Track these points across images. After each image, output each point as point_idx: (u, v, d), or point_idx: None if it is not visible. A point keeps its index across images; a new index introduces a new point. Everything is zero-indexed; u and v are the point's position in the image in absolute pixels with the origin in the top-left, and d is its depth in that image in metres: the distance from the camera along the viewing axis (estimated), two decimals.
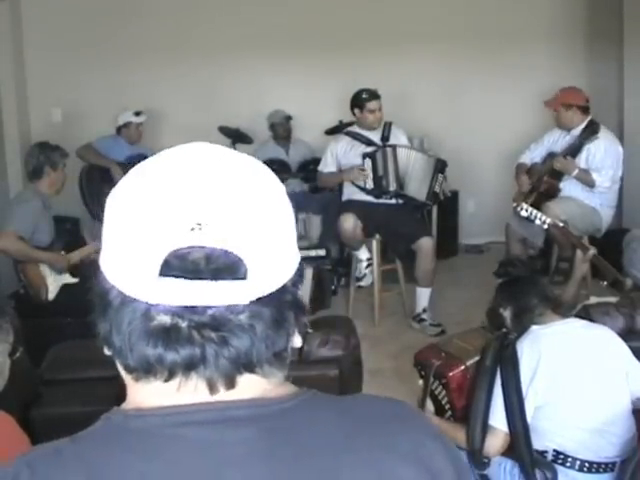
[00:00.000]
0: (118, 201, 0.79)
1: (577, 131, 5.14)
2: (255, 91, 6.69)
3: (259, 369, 0.79)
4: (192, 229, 0.74)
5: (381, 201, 5.23)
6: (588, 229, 5.03)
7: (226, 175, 0.78)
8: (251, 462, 0.76)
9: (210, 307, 0.75)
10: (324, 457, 0.78)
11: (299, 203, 6.17)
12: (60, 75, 6.54)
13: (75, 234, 5.70)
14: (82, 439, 0.81)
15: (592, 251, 3.80)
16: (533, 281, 2.81)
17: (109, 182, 5.84)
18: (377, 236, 5.19)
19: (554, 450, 2.47)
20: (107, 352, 0.82)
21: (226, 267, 0.75)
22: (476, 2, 6.83)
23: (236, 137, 6.28)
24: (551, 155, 5.22)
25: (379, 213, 5.15)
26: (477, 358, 2.73)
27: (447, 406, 2.82)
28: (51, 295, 4.36)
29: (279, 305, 0.79)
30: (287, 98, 6.54)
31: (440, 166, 5.21)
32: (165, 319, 0.76)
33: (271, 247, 0.78)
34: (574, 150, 5.08)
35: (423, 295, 5.13)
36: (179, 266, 0.75)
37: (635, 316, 2.81)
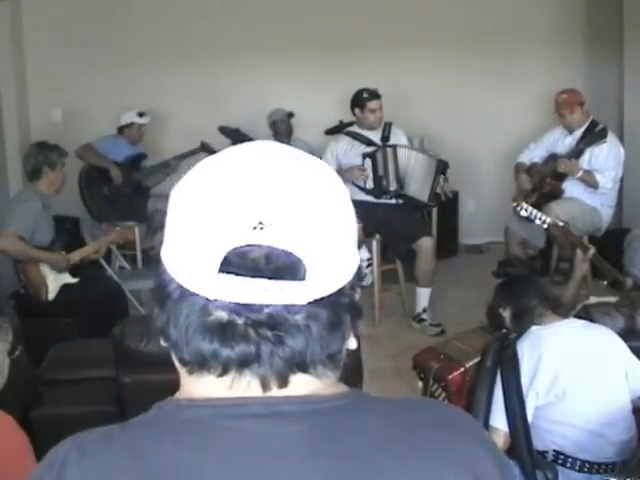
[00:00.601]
0: (183, 195, 0.80)
1: (579, 132, 5.15)
2: (255, 91, 6.69)
3: (312, 369, 0.80)
4: (254, 228, 0.75)
5: (381, 201, 5.23)
6: (588, 229, 5.03)
7: (291, 175, 0.79)
8: (296, 457, 0.77)
9: (267, 306, 0.76)
10: (368, 458, 0.79)
11: None
12: (60, 75, 6.54)
13: (75, 234, 5.70)
14: (132, 426, 0.82)
15: (592, 251, 3.80)
16: (532, 281, 2.81)
17: (108, 182, 5.84)
18: (377, 236, 5.19)
19: (554, 451, 2.47)
20: (163, 343, 0.83)
21: (285, 267, 0.76)
22: (476, 3, 6.83)
23: (236, 137, 6.27)
24: (553, 156, 5.22)
25: (379, 213, 5.15)
26: (476, 360, 2.73)
27: None
28: (51, 295, 4.35)
29: (336, 307, 0.79)
30: (287, 98, 6.54)
31: (442, 167, 5.21)
32: (222, 315, 0.76)
33: (331, 249, 0.79)
34: (577, 151, 5.08)
35: (423, 295, 5.13)
36: (239, 263, 0.75)
37: (635, 316, 2.81)
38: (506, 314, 2.73)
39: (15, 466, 1.66)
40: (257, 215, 0.75)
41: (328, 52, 6.64)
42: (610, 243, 5.00)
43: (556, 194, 5.13)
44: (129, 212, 5.62)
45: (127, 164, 5.90)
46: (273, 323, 0.76)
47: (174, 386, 0.85)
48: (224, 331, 0.76)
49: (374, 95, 5.23)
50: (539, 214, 3.97)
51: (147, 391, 2.05)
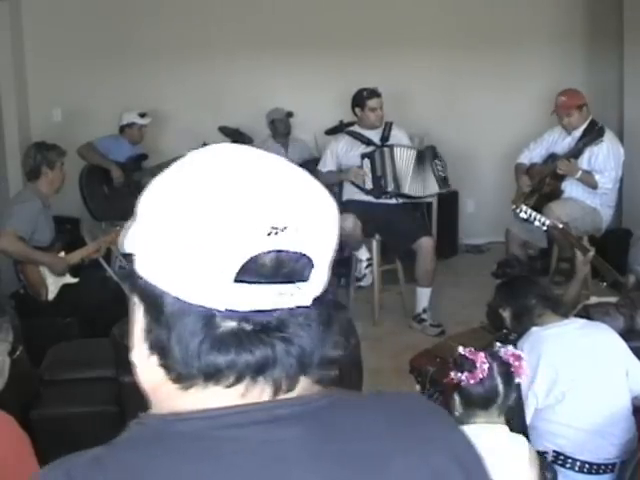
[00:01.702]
0: (179, 204, 0.76)
1: (578, 132, 5.14)
2: (255, 91, 6.69)
3: (312, 370, 0.80)
4: (269, 234, 0.74)
5: (381, 201, 5.23)
6: (588, 229, 5.03)
7: (296, 179, 0.79)
8: (301, 460, 0.77)
9: (275, 310, 0.75)
10: (369, 451, 0.79)
11: None
12: (60, 75, 6.53)
13: (75, 234, 5.69)
14: (121, 446, 0.78)
15: (591, 252, 3.80)
16: (531, 281, 2.83)
17: (109, 182, 5.85)
18: (377, 236, 5.19)
19: (554, 451, 2.48)
20: (157, 360, 0.78)
21: (296, 270, 0.76)
22: (476, 2, 6.82)
23: (236, 137, 6.27)
24: (552, 157, 5.22)
25: (379, 213, 5.15)
26: None
27: None
28: (51, 295, 4.35)
29: (326, 305, 0.80)
30: (287, 98, 6.54)
31: (430, 153, 5.23)
32: (232, 324, 0.75)
33: (330, 248, 0.80)
34: (577, 152, 5.08)
35: (423, 295, 5.13)
36: (254, 271, 0.74)
37: (635, 316, 2.81)
38: (506, 314, 2.74)
39: (15, 466, 1.67)
40: (270, 220, 0.74)
41: (328, 52, 6.64)
42: (610, 243, 5.01)
43: (555, 194, 5.12)
44: (129, 212, 5.61)
45: (128, 164, 5.91)
46: (281, 326, 0.76)
47: None
48: (238, 340, 0.75)
49: (374, 94, 5.24)
50: (538, 216, 3.96)
51: None
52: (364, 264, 5.39)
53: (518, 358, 2.08)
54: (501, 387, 2.07)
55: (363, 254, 5.38)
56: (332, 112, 6.23)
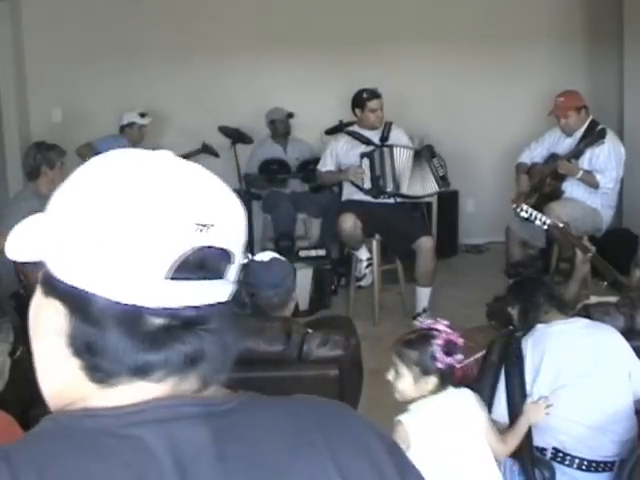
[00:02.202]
0: (103, 205, 0.76)
1: (579, 132, 5.14)
2: (255, 91, 6.69)
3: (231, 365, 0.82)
4: (197, 231, 0.76)
5: (380, 201, 5.23)
6: (588, 229, 5.03)
7: (213, 178, 0.81)
8: (203, 460, 0.76)
9: (198, 306, 0.77)
10: (274, 452, 0.79)
11: (299, 203, 6.18)
12: (60, 75, 6.54)
13: None
14: (29, 441, 0.78)
15: (591, 253, 3.80)
16: (541, 281, 2.93)
17: None
18: (377, 236, 5.19)
19: (553, 448, 2.48)
20: (80, 363, 0.78)
21: (220, 266, 0.79)
22: (476, 2, 6.83)
23: (236, 137, 6.28)
24: (553, 157, 5.22)
25: (379, 213, 5.15)
26: (480, 354, 2.76)
27: None
28: None
29: (232, 302, 0.82)
30: (287, 98, 6.54)
31: (428, 152, 5.23)
32: (161, 321, 0.76)
33: (242, 247, 0.82)
34: (577, 152, 5.08)
35: (423, 295, 5.13)
36: (185, 268, 0.76)
37: (635, 316, 2.81)
38: (514, 312, 2.78)
39: None
40: (197, 218, 0.76)
41: (328, 52, 6.65)
42: (610, 243, 5.01)
43: (556, 194, 5.13)
44: None
45: None
46: (206, 321, 0.78)
47: None
48: (168, 336, 0.76)
49: (374, 95, 5.24)
50: (539, 215, 3.97)
51: None
52: (364, 264, 5.40)
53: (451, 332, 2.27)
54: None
55: (363, 254, 5.38)
56: (332, 112, 6.23)
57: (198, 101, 6.71)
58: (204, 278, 0.77)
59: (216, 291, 0.78)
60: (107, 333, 0.76)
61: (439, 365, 2.21)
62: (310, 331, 2.66)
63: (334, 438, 0.83)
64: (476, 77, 6.86)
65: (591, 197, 5.10)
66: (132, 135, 6.02)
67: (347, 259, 5.79)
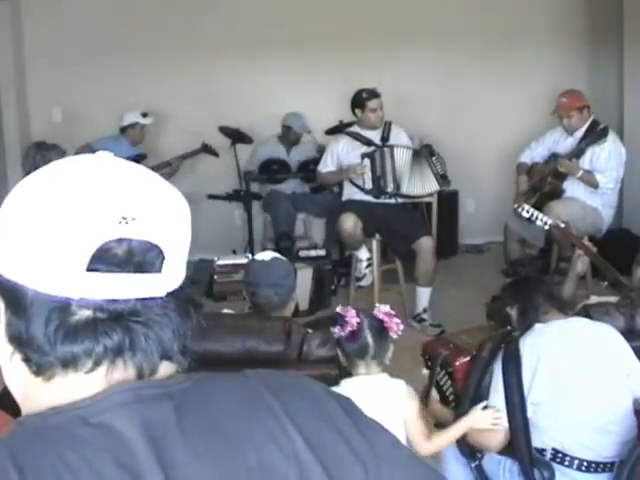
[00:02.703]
0: (30, 199, 0.79)
1: (580, 132, 5.15)
2: (255, 91, 6.69)
3: (174, 357, 0.83)
4: (119, 223, 0.77)
5: (381, 201, 5.23)
6: (589, 229, 5.03)
7: (144, 174, 0.83)
8: (171, 438, 0.78)
9: (129, 300, 0.78)
10: (234, 422, 0.82)
11: (299, 203, 6.17)
12: (60, 75, 6.54)
13: None
14: (3, 442, 0.78)
15: (593, 251, 3.80)
16: (540, 280, 2.88)
17: None
18: (377, 236, 5.20)
19: (553, 448, 2.47)
20: (19, 355, 0.80)
21: (148, 260, 0.79)
22: (476, 2, 6.83)
23: (236, 137, 6.27)
24: (554, 156, 5.23)
25: (379, 213, 5.16)
26: None
27: (451, 397, 2.84)
28: None
29: (182, 298, 0.83)
30: (287, 98, 6.54)
31: (427, 151, 5.23)
32: (87, 313, 0.78)
33: (183, 243, 0.84)
34: (578, 152, 5.08)
35: (423, 295, 5.13)
36: (106, 260, 0.77)
37: (635, 316, 2.81)
38: (513, 312, 2.76)
39: None
40: (120, 210, 0.77)
41: (328, 52, 6.65)
42: (610, 243, 5.01)
43: (557, 193, 5.13)
44: None
45: None
46: (135, 314, 0.79)
47: None
48: (93, 328, 0.77)
49: (373, 94, 5.24)
50: (540, 215, 3.97)
51: None
52: (364, 264, 5.40)
53: (389, 315, 2.41)
54: (371, 340, 2.42)
55: (363, 254, 5.38)
56: (332, 112, 6.23)
57: (198, 101, 6.71)
58: (129, 271, 0.78)
59: (146, 285, 0.79)
60: (32, 324, 0.78)
61: (338, 336, 2.37)
62: (310, 331, 2.66)
63: (290, 403, 0.85)
64: (476, 77, 6.87)
65: (591, 197, 5.10)
66: (134, 135, 6.03)
67: (347, 259, 5.79)
